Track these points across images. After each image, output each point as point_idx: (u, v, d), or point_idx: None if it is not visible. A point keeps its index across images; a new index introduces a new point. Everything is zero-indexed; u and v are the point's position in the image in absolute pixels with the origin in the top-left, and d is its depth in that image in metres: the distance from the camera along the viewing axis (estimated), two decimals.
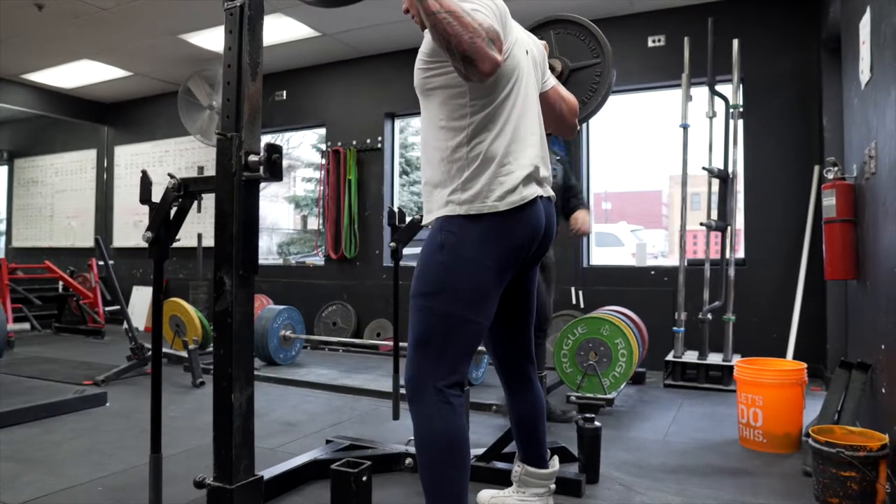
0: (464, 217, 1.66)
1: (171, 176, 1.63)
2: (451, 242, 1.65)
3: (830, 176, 3.15)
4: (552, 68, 2.36)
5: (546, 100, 2.00)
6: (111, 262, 5.24)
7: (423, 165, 1.79)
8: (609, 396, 3.64)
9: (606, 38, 2.40)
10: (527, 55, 1.84)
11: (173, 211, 1.69)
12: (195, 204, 1.66)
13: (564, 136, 2.16)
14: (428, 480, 1.63)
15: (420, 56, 1.72)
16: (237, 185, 1.51)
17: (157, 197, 1.71)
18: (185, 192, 1.63)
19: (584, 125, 5.52)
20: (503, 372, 2.08)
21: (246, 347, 1.53)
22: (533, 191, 1.73)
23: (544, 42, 2.20)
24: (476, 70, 1.46)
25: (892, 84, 2.34)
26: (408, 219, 3.02)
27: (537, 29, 2.51)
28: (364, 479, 1.29)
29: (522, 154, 1.72)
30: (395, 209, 3.03)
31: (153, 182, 1.80)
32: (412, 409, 1.65)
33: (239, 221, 1.50)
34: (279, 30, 5.64)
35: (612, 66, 2.40)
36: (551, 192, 1.86)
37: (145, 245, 1.71)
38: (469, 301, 1.66)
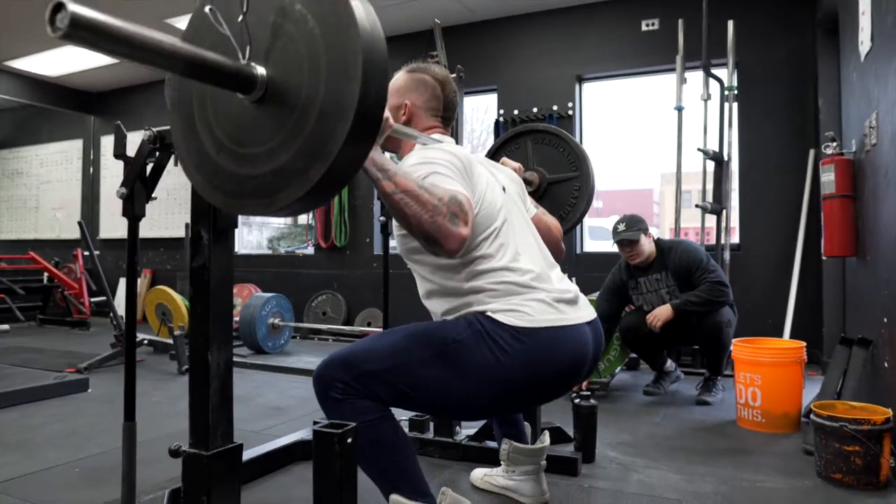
0: (500, 323, 1.49)
1: (147, 128, 1.54)
2: (481, 331, 1.49)
3: (829, 151, 3.09)
4: (529, 182, 2.31)
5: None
6: (97, 252, 5.14)
7: (436, 308, 1.65)
8: (604, 380, 3.58)
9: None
10: (504, 192, 1.73)
11: (150, 167, 1.60)
12: (172, 158, 1.57)
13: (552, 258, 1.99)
14: (371, 474, 1.56)
15: (395, 223, 1.61)
16: None
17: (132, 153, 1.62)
18: (162, 144, 1.54)
19: (577, 117, 5.46)
20: None
21: (224, 305, 1.44)
22: (577, 315, 1.60)
23: (518, 165, 2.13)
24: (442, 249, 1.34)
25: (894, 51, 2.28)
26: None
27: (514, 139, 2.47)
28: (349, 440, 1.21)
29: (541, 281, 1.59)
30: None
31: (127, 136, 1.71)
32: (324, 408, 1.56)
33: None
34: None
35: (593, 184, 2.33)
36: (592, 314, 1.69)
37: None
38: (443, 391, 1.52)
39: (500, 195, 1.69)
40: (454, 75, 2.78)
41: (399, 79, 1.83)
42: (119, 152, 1.60)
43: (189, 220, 1.41)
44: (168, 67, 0.93)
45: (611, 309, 3.60)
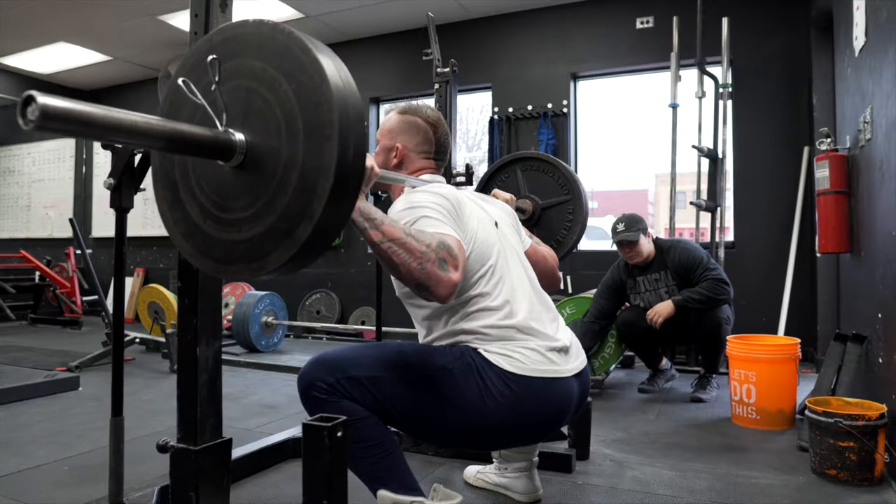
0: (490, 363, 1.50)
1: None
2: (471, 365, 1.49)
3: (823, 147, 3.09)
4: (522, 210, 2.31)
5: (528, 258, 1.88)
6: (89, 251, 5.10)
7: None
8: (599, 377, 3.57)
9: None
10: (497, 227, 1.72)
11: (138, 157, 1.58)
12: None
13: (548, 288, 1.94)
14: (358, 473, 1.53)
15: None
16: None
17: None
18: None
19: (571, 121, 5.45)
20: None
21: (213, 298, 1.42)
22: (567, 367, 1.60)
23: (510, 196, 2.11)
24: (432, 295, 1.34)
25: (889, 44, 2.28)
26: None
27: (503, 168, 2.46)
28: (339, 434, 1.19)
29: (533, 322, 1.58)
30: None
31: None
32: (306, 405, 1.52)
33: None
34: (261, 11, 5.52)
35: (586, 205, 2.33)
36: (582, 364, 1.68)
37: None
38: (422, 416, 1.52)
39: (493, 231, 1.69)
40: (447, 69, 2.78)
41: (390, 120, 1.82)
42: (107, 143, 1.58)
43: None
44: (147, 145, 0.94)
45: (608, 307, 3.59)
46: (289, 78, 1.01)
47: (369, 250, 6.11)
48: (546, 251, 1.99)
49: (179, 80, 1.11)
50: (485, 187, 2.43)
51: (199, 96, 1.08)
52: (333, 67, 1.00)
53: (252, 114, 1.06)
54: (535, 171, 2.40)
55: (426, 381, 1.49)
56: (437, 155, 1.82)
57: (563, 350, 1.61)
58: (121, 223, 1.56)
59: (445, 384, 1.47)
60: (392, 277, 1.56)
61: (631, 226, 3.44)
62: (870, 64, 2.58)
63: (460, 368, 1.48)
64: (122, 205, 1.56)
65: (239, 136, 1.05)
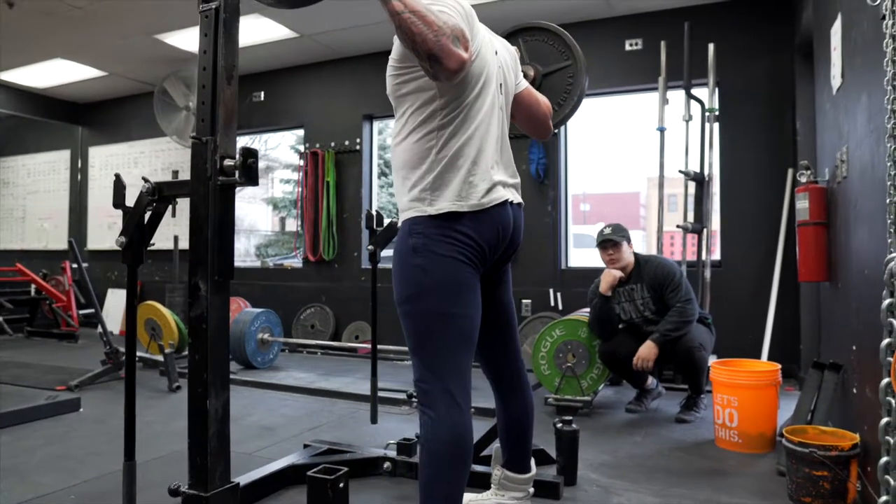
0: (431, 217, 1.67)
1: (146, 180, 1.60)
2: (422, 243, 1.67)
3: (803, 179, 3.20)
4: (525, 75, 2.38)
5: (520, 101, 2.01)
6: (85, 264, 5.17)
7: (394, 170, 1.80)
8: (587, 398, 3.67)
9: (581, 43, 2.41)
10: (496, 55, 1.84)
11: (147, 215, 1.67)
12: (170, 208, 1.63)
13: (540, 137, 2.17)
14: (428, 479, 1.64)
15: (390, 62, 1.73)
16: (212, 189, 1.49)
17: (131, 201, 1.69)
18: (160, 196, 1.61)
19: (562, 140, 5.55)
20: (493, 376, 2.07)
21: (221, 352, 1.51)
22: (500, 195, 1.75)
23: (515, 48, 2.20)
24: (442, 68, 1.45)
25: (862, 90, 2.38)
26: (386, 221, 3.01)
27: (507, 38, 2.49)
28: (341, 485, 1.29)
29: (489, 158, 1.74)
30: (374, 212, 3.02)
31: (127, 185, 1.77)
32: (420, 410, 1.68)
33: (214, 226, 1.48)
34: (257, 30, 5.60)
35: (585, 70, 2.40)
36: (519, 198, 1.88)
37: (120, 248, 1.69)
38: (452, 296, 1.68)
39: (492, 57, 1.80)
40: None
41: None
42: (118, 202, 1.67)
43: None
44: None
45: (606, 330, 3.70)
46: None
47: (363, 263, 6.16)
48: (541, 97, 2.09)
49: None
50: None
51: None
52: None
53: None
54: (536, 40, 2.46)
55: (428, 288, 1.67)
56: None
57: (502, 184, 1.78)
58: (132, 277, 1.64)
59: (431, 269, 1.66)
60: (388, 76, 1.72)
61: (617, 231, 3.68)
62: (846, 105, 2.69)
63: (423, 254, 1.67)
64: (133, 261, 1.64)
65: None
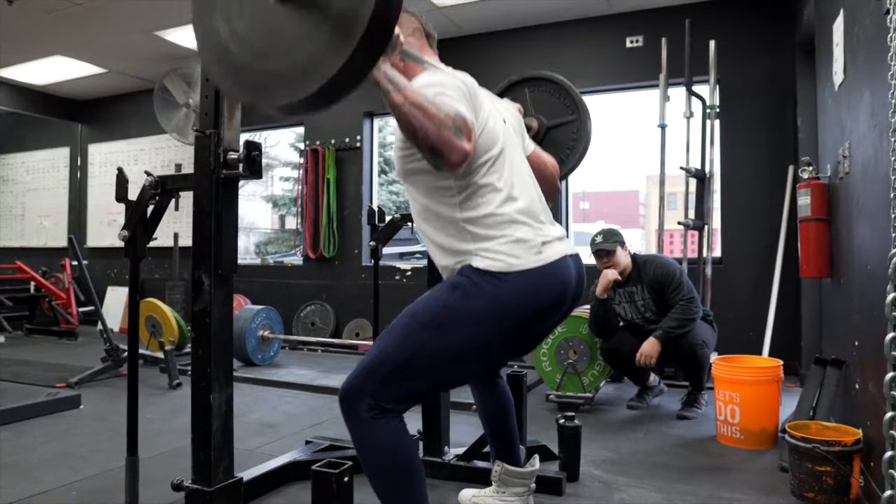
0: (483, 271, 1.57)
1: (148, 173, 1.60)
2: (466, 286, 1.57)
3: (805, 175, 3.20)
4: (529, 127, 2.34)
5: (529, 164, 1.96)
6: (85, 262, 5.16)
7: (428, 242, 1.71)
8: (588, 395, 3.67)
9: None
10: (504, 124, 1.79)
11: (150, 209, 1.66)
12: (172, 202, 1.63)
13: (548, 197, 2.02)
14: (382, 494, 1.55)
15: (396, 142, 1.68)
16: (216, 182, 1.48)
17: (133, 196, 1.68)
18: (163, 189, 1.60)
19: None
20: None
21: (225, 347, 1.51)
22: (557, 249, 1.66)
23: (518, 105, 2.18)
24: (444, 161, 1.42)
25: (864, 86, 2.38)
26: (387, 218, 3.01)
27: (512, 87, 2.51)
28: (346, 479, 1.28)
29: (529, 215, 1.66)
30: (375, 208, 3.02)
31: (129, 180, 1.77)
32: (349, 424, 1.52)
33: (217, 219, 1.48)
34: None
35: (589, 125, 2.38)
36: (574, 249, 1.76)
37: (120, 245, 1.69)
38: (457, 353, 1.57)
39: (501, 126, 1.75)
40: None
41: None
42: (121, 196, 1.66)
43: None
44: None
45: (605, 331, 3.70)
46: None
47: (363, 261, 6.16)
48: (547, 158, 2.06)
49: None
50: None
51: None
52: None
53: None
54: (542, 91, 2.44)
55: (441, 329, 1.55)
56: (429, 39, 1.88)
57: (556, 239, 1.69)
58: (134, 271, 1.64)
59: (456, 318, 1.54)
60: (395, 156, 1.65)
61: (609, 237, 3.63)
62: (848, 101, 2.69)
63: (459, 297, 1.55)
64: (136, 255, 1.64)
65: None
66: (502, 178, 1.65)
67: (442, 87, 1.53)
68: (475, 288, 1.55)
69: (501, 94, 2.52)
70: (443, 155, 1.40)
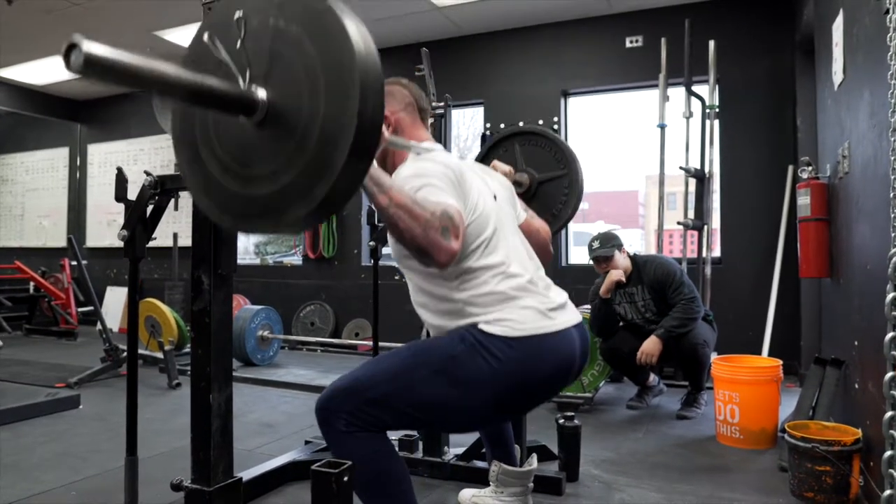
0: (491, 334, 1.55)
1: (148, 173, 1.60)
2: (475, 344, 1.54)
3: (805, 175, 3.20)
4: (520, 183, 2.36)
5: (522, 231, 1.95)
6: (84, 262, 5.15)
7: (427, 314, 1.70)
8: (588, 395, 3.67)
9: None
10: (495, 200, 1.78)
11: (149, 209, 1.66)
12: (172, 202, 1.63)
13: (543, 263, 1.98)
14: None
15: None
16: None
17: (133, 196, 1.68)
18: (162, 189, 1.60)
19: (562, 131, 5.55)
20: None
21: (224, 347, 1.51)
22: (563, 319, 1.65)
23: (509, 168, 2.18)
24: (432, 261, 1.40)
25: (864, 85, 2.38)
26: None
27: (502, 142, 2.51)
28: (345, 479, 1.28)
29: (530, 288, 1.65)
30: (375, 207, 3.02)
31: (128, 180, 1.77)
32: (326, 437, 1.55)
33: None
34: None
35: (580, 180, 2.39)
36: (578, 317, 1.74)
37: (119, 245, 1.68)
38: (445, 404, 1.57)
39: (492, 204, 1.74)
40: (442, 104, 2.87)
41: None
42: (121, 196, 1.66)
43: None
44: (172, 95, 0.96)
45: (606, 331, 3.70)
46: (312, 38, 1.03)
47: (363, 261, 6.17)
48: (539, 225, 2.05)
49: (205, 36, 1.11)
50: (484, 159, 2.49)
51: (224, 52, 1.08)
52: (356, 30, 1.01)
53: (275, 72, 1.07)
54: (532, 145, 2.46)
55: (439, 375, 1.54)
56: (421, 113, 1.87)
57: (560, 307, 1.68)
58: (134, 271, 1.63)
59: (458, 370, 1.53)
60: (390, 241, 1.62)
61: (605, 242, 3.63)
62: (848, 101, 2.69)
63: (465, 351, 1.54)
64: (135, 255, 1.64)
65: (261, 94, 1.06)
66: (498, 257, 1.64)
67: (427, 177, 1.51)
68: (483, 349, 1.54)
69: (493, 148, 2.53)
70: (430, 255, 1.38)
